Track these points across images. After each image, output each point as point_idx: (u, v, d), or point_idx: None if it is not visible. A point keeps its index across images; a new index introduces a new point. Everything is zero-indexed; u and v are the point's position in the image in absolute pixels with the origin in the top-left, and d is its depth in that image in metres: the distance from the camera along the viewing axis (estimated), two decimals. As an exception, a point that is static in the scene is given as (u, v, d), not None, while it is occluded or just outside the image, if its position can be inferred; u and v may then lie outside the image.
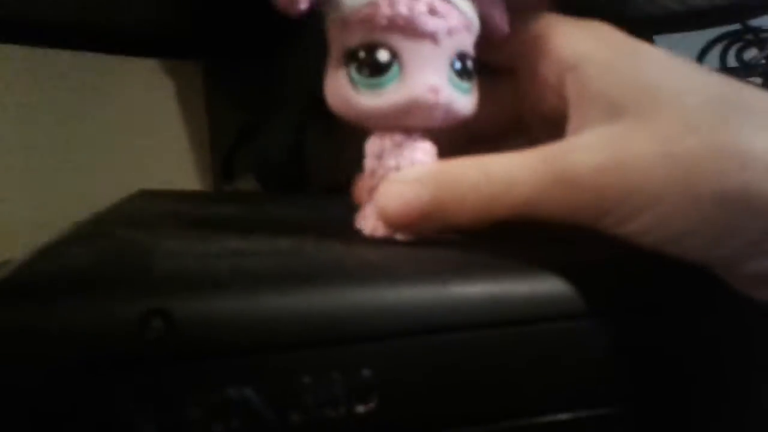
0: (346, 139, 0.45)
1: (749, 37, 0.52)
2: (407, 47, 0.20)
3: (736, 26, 0.52)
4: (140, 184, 0.40)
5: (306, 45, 0.42)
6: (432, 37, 0.20)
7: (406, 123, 0.21)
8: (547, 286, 0.17)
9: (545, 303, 0.17)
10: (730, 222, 0.17)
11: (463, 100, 0.21)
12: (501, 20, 0.22)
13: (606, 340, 0.17)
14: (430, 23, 0.20)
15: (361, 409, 0.15)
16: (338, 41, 0.21)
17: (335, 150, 0.45)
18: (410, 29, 0.20)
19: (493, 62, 0.24)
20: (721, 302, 0.19)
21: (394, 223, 0.21)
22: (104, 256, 0.16)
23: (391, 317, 0.15)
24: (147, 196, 0.35)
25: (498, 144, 0.22)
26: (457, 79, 0.21)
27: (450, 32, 0.20)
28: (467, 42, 0.21)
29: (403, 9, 0.20)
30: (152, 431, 0.13)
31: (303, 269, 0.16)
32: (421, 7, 0.20)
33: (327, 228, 0.22)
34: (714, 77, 0.19)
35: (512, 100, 0.25)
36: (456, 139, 0.23)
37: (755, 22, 0.51)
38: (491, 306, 0.16)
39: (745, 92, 0.19)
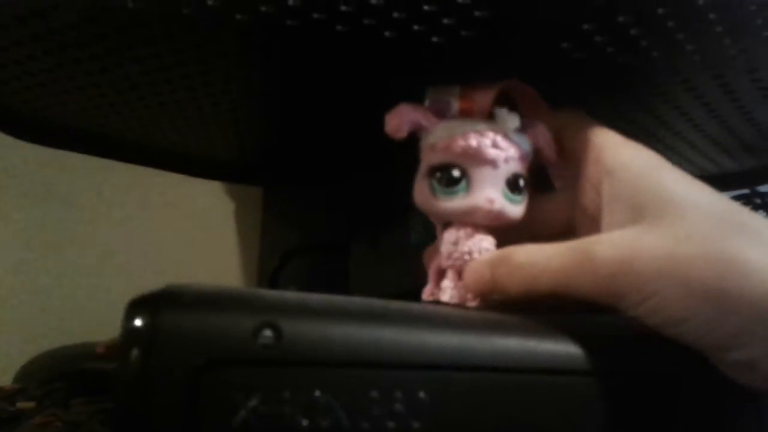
0: (389, 256, 0.49)
1: (757, 200, 0.57)
2: (474, 169, 0.27)
3: (745, 191, 0.57)
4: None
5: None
6: (492, 163, 0.27)
7: (470, 220, 0.28)
8: (570, 346, 0.21)
9: (567, 358, 0.21)
10: (715, 315, 0.21)
11: (514, 208, 0.28)
12: (549, 151, 0.29)
13: (610, 398, 0.21)
14: (492, 153, 0.27)
15: (416, 424, 0.18)
16: (426, 159, 0.28)
17: (378, 265, 0.49)
18: (477, 156, 0.27)
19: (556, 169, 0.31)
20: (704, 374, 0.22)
21: (471, 292, 0.27)
22: (221, 287, 0.20)
23: (446, 354, 0.19)
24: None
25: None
26: (509, 193, 0.28)
27: (507, 160, 0.27)
28: (520, 166, 0.28)
29: (473, 142, 0.27)
30: (255, 418, 0.17)
31: (379, 312, 0.20)
32: (487, 142, 0.27)
33: (391, 298, 0.27)
34: (719, 197, 0.24)
35: (565, 209, 0.30)
36: (522, 238, 0.28)
37: (764, 188, 0.57)
38: (523, 355, 0.20)
39: (742, 213, 0.23)
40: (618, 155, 0.26)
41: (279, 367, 0.18)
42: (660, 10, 0.26)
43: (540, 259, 0.25)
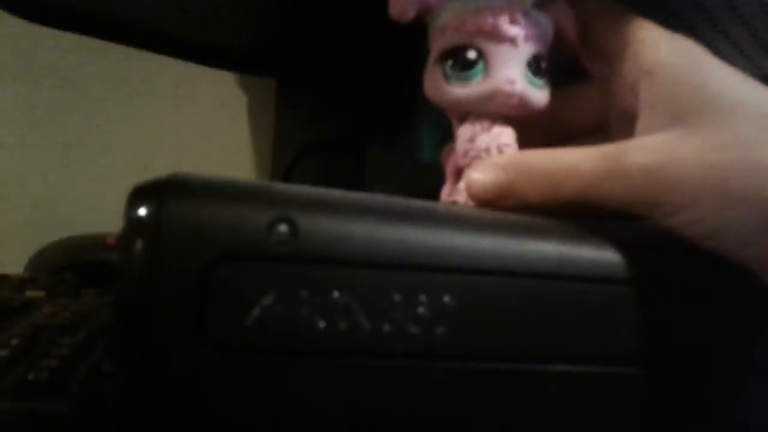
0: (406, 156, 0.48)
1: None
2: (491, 48, 0.24)
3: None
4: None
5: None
6: (512, 41, 0.24)
7: (489, 109, 0.25)
8: (604, 252, 0.20)
9: (601, 266, 0.19)
10: (759, 227, 0.19)
11: (537, 93, 0.25)
12: (571, 30, 0.26)
13: (643, 307, 0.20)
14: (511, 30, 0.24)
15: (439, 329, 0.17)
16: (437, 44, 0.25)
17: (395, 166, 0.48)
18: (494, 34, 0.24)
19: (585, 58, 0.27)
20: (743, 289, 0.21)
21: (477, 201, 0.24)
22: (232, 178, 0.18)
23: (474, 257, 0.18)
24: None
25: (583, 143, 0.25)
26: (531, 76, 0.25)
27: (527, 38, 0.24)
28: (541, 46, 0.25)
29: (489, 18, 0.24)
30: (269, 317, 0.16)
31: (403, 210, 0.19)
32: (504, 17, 0.24)
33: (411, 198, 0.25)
34: None
35: (598, 103, 0.28)
36: (547, 136, 0.25)
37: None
38: (556, 261, 0.19)
39: None
40: (657, 53, 0.23)
41: (295, 264, 0.16)
42: None
43: (565, 165, 0.23)
